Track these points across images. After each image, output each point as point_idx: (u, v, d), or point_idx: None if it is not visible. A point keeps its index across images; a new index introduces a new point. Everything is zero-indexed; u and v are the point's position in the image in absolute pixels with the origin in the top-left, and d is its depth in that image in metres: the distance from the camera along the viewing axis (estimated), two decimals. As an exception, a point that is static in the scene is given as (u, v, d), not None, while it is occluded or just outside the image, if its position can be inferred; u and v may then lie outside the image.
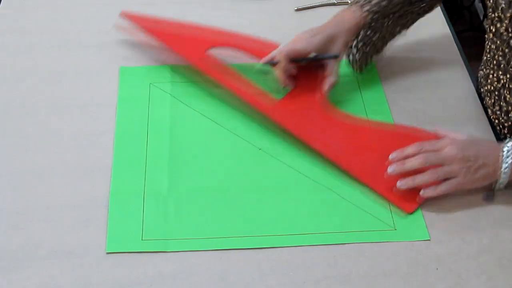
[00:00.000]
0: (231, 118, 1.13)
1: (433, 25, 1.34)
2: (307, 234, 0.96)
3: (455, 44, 1.30)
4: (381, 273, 0.92)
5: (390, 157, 1.01)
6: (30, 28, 1.32)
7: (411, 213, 0.99)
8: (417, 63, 1.24)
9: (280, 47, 1.12)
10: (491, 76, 1.10)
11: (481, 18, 2.61)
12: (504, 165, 0.97)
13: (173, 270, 0.92)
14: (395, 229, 0.97)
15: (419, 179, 0.98)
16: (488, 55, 1.11)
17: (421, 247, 0.95)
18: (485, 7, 2.56)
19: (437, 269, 0.93)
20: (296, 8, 1.40)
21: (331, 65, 1.13)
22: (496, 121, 1.12)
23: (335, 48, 1.12)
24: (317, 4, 1.41)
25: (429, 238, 0.96)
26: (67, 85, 1.20)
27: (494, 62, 1.08)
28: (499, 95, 1.09)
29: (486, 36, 1.11)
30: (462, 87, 1.21)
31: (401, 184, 0.99)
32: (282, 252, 0.94)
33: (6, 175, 1.03)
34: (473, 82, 1.22)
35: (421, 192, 0.98)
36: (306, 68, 1.15)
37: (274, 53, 1.13)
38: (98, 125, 1.12)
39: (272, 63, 1.13)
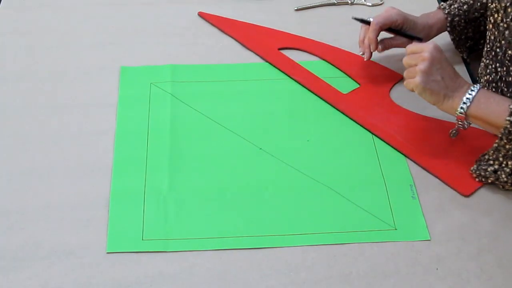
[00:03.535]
0: (231, 117, 1.13)
1: (433, 25, 1.34)
2: (308, 234, 0.96)
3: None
4: (381, 273, 0.92)
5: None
6: (30, 28, 1.33)
7: (468, 196, 1.01)
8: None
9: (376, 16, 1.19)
10: (490, 66, 1.10)
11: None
12: (465, 97, 1.00)
13: (173, 270, 0.92)
14: (396, 229, 0.97)
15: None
16: (488, 46, 1.11)
17: (421, 247, 0.95)
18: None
19: (437, 269, 0.93)
20: (296, 8, 1.40)
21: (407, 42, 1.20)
22: None
23: (421, 30, 1.21)
24: (317, 4, 1.41)
25: (429, 238, 0.96)
26: (67, 85, 1.20)
27: (493, 53, 1.09)
28: (497, 87, 1.09)
29: (487, 26, 1.11)
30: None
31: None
32: (282, 252, 0.94)
33: (6, 175, 1.03)
34: (473, 81, 1.22)
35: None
36: (368, 70, 1.23)
37: (369, 19, 1.19)
38: (98, 125, 1.12)
39: (364, 21, 1.20)
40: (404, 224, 0.98)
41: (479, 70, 1.18)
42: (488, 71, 1.12)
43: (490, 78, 1.11)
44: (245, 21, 1.35)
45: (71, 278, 0.90)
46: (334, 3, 1.41)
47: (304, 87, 1.20)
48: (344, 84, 1.21)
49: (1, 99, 1.17)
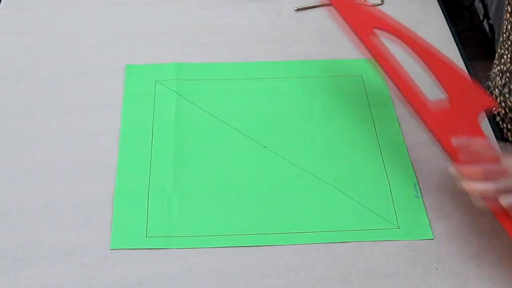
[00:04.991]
0: (236, 116, 1.13)
1: (433, 25, 1.34)
2: (311, 232, 0.97)
3: (455, 44, 1.30)
4: (381, 273, 0.92)
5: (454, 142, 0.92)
6: (30, 28, 1.32)
7: None
8: (417, 64, 1.24)
9: None
10: (505, 56, 1.10)
11: (481, 18, 2.61)
12: None
13: (173, 270, 0.92)
14: (399, 228, 0.97)
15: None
16: (504, 35, 1.10)
17: (422, 247, 0.95)
18: (485, 7, 2.56)
19: (437, 269, 0.93)
20: (296, 8, 1.40)
21: None
22: (503, 103, 1.10)
23: None
24: (317, 4, 1.41)
25: (432, 237, 0.96)
26: (68, 85, 1.20)
27: (509, 42, 1.08)
28: (511, 78, 1.08)
29: (504, 16, 1.10)
30: (462, 87, 1.21)
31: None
32: (282, 252, 0.94)
33: (6, 175, 1.03)
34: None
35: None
36: (458, 84, 1.05)
37: None
38: (103, 123, 1.12)
39: None
40: (408, 223, 0.98)
41: (494, 61, 1.17)
42: (502, 60, 1.11)
43: (505, 68, 1.10)
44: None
45: (71, 278, 0.90)
46: (334, 3, 1.41)
47: (393, 83, 1.04)
48: (430, 88, 1.04)
49: (1, 99, 1.17)
